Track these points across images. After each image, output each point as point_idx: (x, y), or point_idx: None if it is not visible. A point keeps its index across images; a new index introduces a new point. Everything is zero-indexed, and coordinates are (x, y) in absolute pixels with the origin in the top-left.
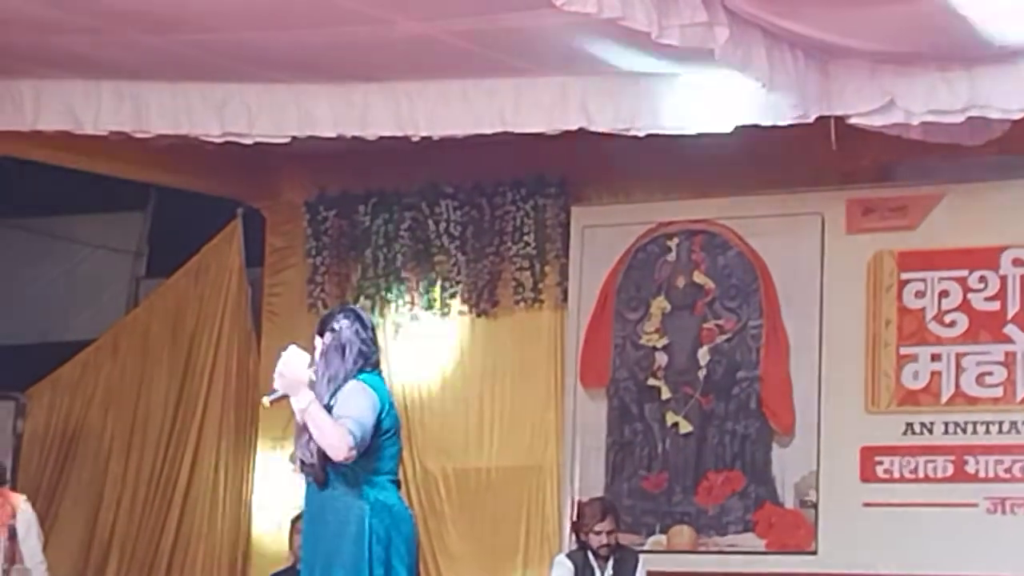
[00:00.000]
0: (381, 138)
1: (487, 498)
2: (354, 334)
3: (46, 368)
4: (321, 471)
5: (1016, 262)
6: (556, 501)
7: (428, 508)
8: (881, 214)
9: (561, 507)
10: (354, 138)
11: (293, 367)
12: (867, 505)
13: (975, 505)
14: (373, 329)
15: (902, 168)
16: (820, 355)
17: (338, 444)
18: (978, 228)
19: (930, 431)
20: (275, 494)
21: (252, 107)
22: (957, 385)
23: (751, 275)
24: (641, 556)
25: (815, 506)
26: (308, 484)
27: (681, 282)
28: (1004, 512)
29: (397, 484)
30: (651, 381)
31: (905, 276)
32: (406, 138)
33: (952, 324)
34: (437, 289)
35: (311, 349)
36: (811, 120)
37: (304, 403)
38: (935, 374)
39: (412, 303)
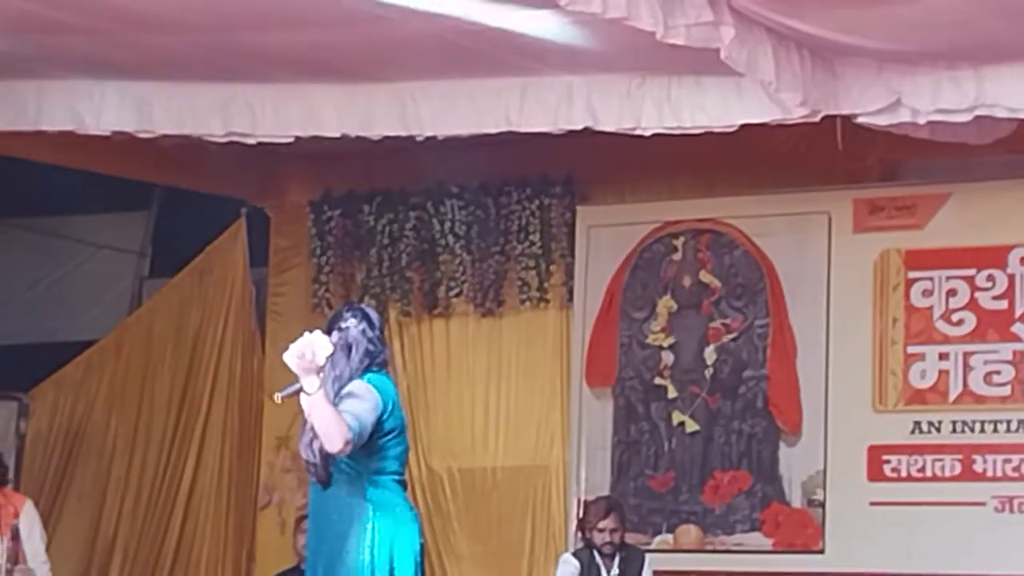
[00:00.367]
0: (386, 137)
1: (493, 498)
2: (361, 333)
3: (49, 368)
4: (324, 470)
5: None
6: (562, 501)
7: (434, 508)
8: (888, 213)
9: (567, 507)
10: (359, 138)
11: (314, 350)
12: (874, 504)
13: (983, 504)
14: (381, 328)
15: (909, 167)
16: (827, 354)
17: (335, 435)
18: (985, 227)
19: (938, 430)
20: (279, 494)
21: (256, 107)
22: (965, 384)
23: (757, 274)
24: (647, 555)
25: (822, 505)
26: (312, 484)
27: (687, 281)
28: (1012, 511)
29: (403, 484)
30: (657, 380)
31: (912, 275)
32: (411, 138)
33: (960, 323)
34: (442, 289)
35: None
36: (818, 119)
37: (311, 389)
38: (943, 373)
39: (417, 303)
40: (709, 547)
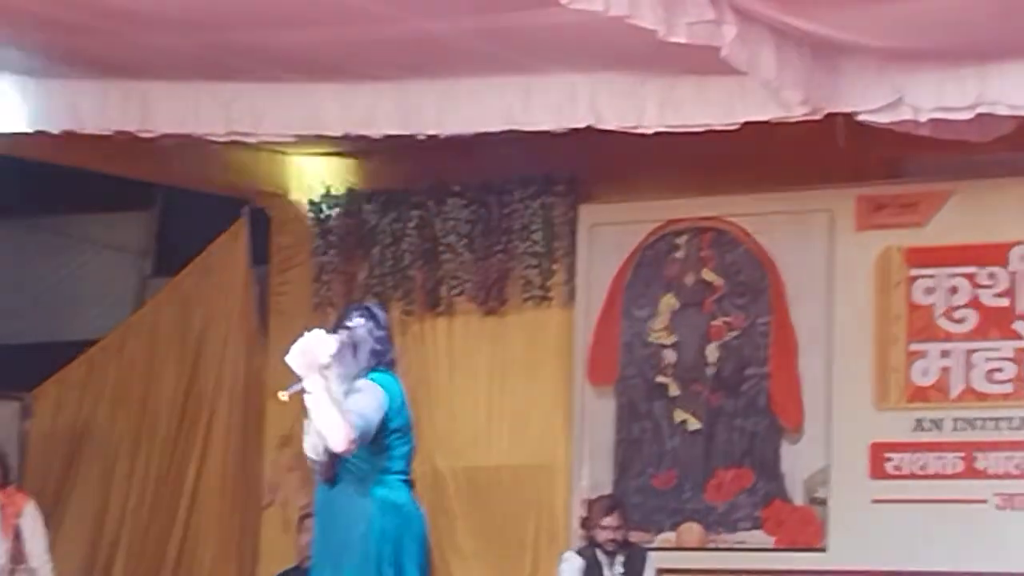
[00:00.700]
0: (388, 136)
1: (496, 496)
2: (368, 332)
3: (53, 367)
4: (330, 469)
5: None
6: (565, 499)
7: (437, 507)
8: (891, 211)
9: (570, 505)
10: (360, 136)
11: (315, 349)
12: (877, 502)
13: (985, 501)
14: (388, 328)
15: (911, 165)
16: (829, 352)
17: (338, 434)
18: (987, 224)
19: (940, 427)
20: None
21: (258, 106)
22: (967, 381)
23: (760, 272)
24: (650, 554)
25: (824, 503)
26: (319, 483)
27: (690, 279)
28: (1014, 508)
29: (410, 483)
30: (659, 378)
31: (914, 272)
32: (413, 136)
33: (962, 320)
34: (445, 287)
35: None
36: (820, 117)
37: (313, 388)
38: (945, 370)
39: (419, 301)
40: (712, 545)
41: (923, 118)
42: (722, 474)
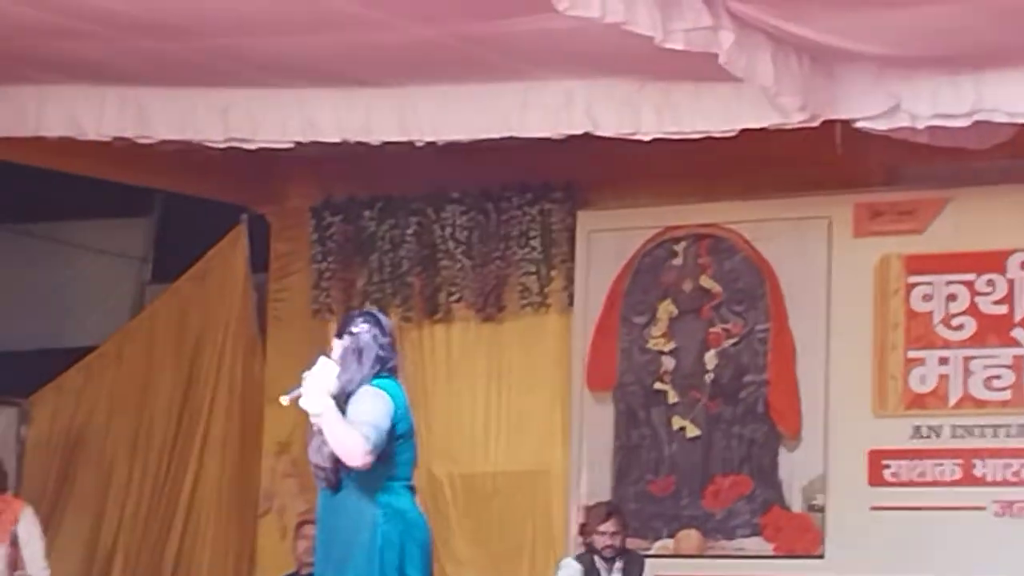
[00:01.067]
0: (386, 143)
1: (494, 503)
2: (372, 339)
3: (50, 374)
4: (334, 476)
5: None
6: (562, 505)
7: (434, 513)
8: (888, 218)
9: (567, 511)
10: (359, 143)
11: (321, 378)
12: (875, 509)
13: (983, 509)
14: (392, 334)
15: (909, 172)
16: (827, 359)
17: (354, 450)
18: (985, 232)
19: (938, 435)
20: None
21: (256, 112)
22: (965, 388)
23: (758, 279)
24: (647, 561)
25: (823, 510)
26: (322, 489)
27: (688, 286)
28: (1012, 516)
29: (412, 490)
30: (658, 385)
31: (912, 279)
32: (411, 143)
33: (960, 327)
34: (443, 294)
35: (321, 352)
36: (817, 124)
37: (319, 408)
38: (943, 377)
39: (418, 308)
40: (710, 552)
41: (921, 125)
42: (720, 481)
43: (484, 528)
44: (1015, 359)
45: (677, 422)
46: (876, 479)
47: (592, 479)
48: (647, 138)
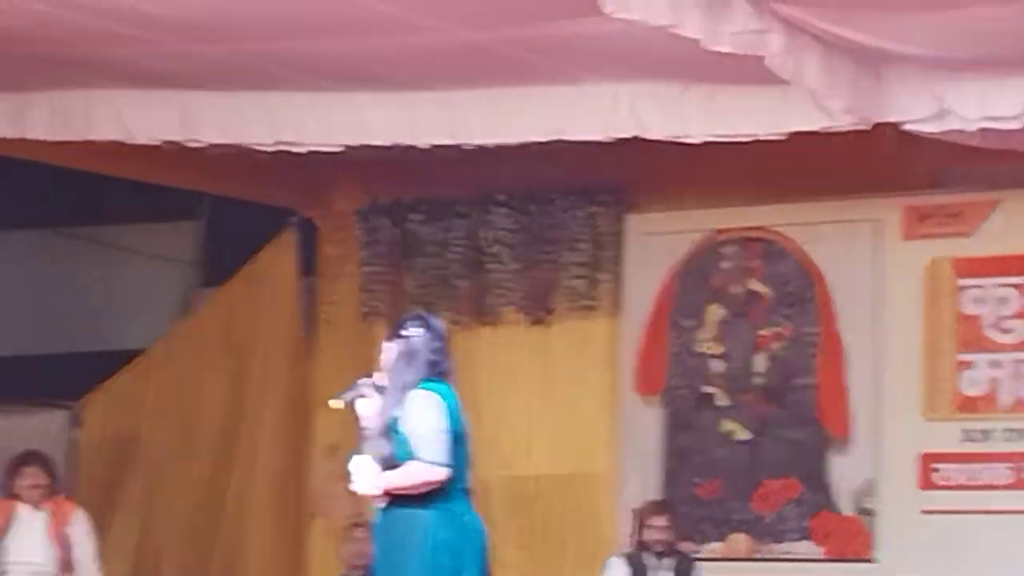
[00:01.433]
0: (434, 146)
1: (540, 506)
2: (424, 343)
3: (100, 377)
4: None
5: None
6: (610, 509)
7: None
8: (937, 220)
9: (615, 515)
10: (407, 146)
11: (363, 469)
12: (926, 512)
13: None
14: (444, 338)
15: (957, 174)
16: (877, 362)
17: (429, 479)
18: None
19: (989, 438)
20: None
21: (305, 116)
22: (1016, 392)
23: (807, 282)
24: (699, 563)
25: (873, 513)
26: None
27: (736, 289)
28: None
29: (468, 493)
30: (706, 388)
31: (962, 282)
32: (459, 146)
33: (1010, 331)
34: (490, 297)
35: (371, 356)
36: (867, 127)
37: (376, 491)
38: (994, 381)
39: (466, 311)
40: (759, 556)
41: (969, 128)
42: (769, 484)
43: (529, 531)
44: None
45: (726, 425)
46: (926, 483)
47: (640, 482)
48: (695, 141)
